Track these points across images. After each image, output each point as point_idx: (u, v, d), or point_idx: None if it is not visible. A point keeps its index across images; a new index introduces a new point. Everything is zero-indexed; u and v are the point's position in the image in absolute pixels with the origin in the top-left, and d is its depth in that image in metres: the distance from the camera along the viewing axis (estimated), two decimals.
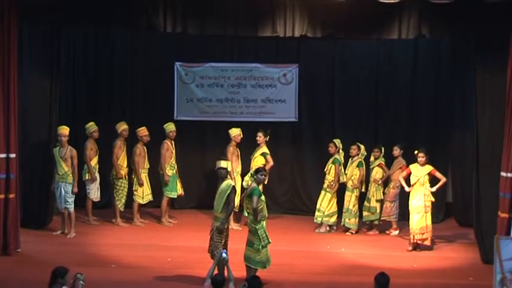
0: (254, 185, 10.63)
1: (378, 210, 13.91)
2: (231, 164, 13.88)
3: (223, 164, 10.74)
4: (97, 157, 13.85)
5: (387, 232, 13.93)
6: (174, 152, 14.22)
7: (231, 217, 13.86)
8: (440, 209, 14.86)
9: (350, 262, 12.06)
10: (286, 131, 15.49)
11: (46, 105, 13.29)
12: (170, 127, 14.23)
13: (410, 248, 12.80)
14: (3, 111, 11.64)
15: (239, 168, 14.23)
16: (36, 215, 13.30)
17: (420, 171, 12.74)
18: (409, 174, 12.91)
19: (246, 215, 11.19)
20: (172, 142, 14.25)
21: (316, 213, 14.05)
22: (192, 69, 15.22)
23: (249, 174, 13.60)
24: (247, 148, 14.42)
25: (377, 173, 13.93)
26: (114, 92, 15.50)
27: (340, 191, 14.07)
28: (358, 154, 13.92)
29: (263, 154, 14.13)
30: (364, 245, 13.23)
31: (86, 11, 12.07)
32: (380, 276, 8.02)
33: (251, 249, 10.46)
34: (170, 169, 14.14)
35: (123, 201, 14.04)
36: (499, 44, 11.59)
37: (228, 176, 10.85)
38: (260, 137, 14.14)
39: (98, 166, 13.89)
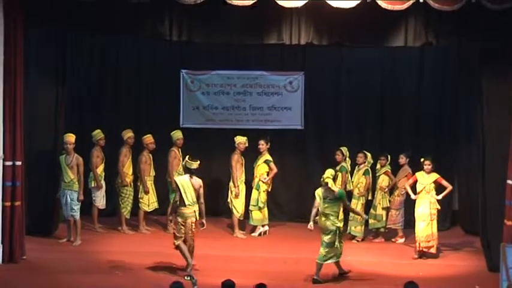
0: (336, 188, 11.54)
1: (384, 218, 13.89)
2: (235, 171, 13.93)
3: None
4: (103, 165, 13.89)
5: (393, 240, 13.90)
6: (181, 159, 14.22)
7: (236, 225, 13.95)
8: (447, 217, 14.80)
9: (356, 270, 12.00)
10: (292, 138, 15.46)
11: (52, 112, 13.37)
12: (177, 135, 14.22)
13: (416, 256, 12.77)
14: (9, 119, 11.66)
15: (243, 177, 14.20)
16: (42, 222, 13.32)
17: (426, 179, 12.71)
18: (415, 181, 12.89)
19: (318, 217, 11.44)
20: (180, 150, 14.25)
21: None
22: (197, 76, 15.25)
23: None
24: (252, 156, 14.39)
25: (383, 181, 13.92)
26: (120, 100, 15.52)
27: (347, 199, 14.02)
28: (364, 162, 13.92)
29: (266, 161, 14.10)
30: (370, 252, 13.21)
31: (91, 19, 12.09)
32: (408, 284, 8.14)
33: (328, 248, 11.27)
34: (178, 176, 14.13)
35: (129, 208, 14.05)
36: (506, 52, 11.57)
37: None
38: (262, 145, 14.10)
39: (103, 174, 13.92)
